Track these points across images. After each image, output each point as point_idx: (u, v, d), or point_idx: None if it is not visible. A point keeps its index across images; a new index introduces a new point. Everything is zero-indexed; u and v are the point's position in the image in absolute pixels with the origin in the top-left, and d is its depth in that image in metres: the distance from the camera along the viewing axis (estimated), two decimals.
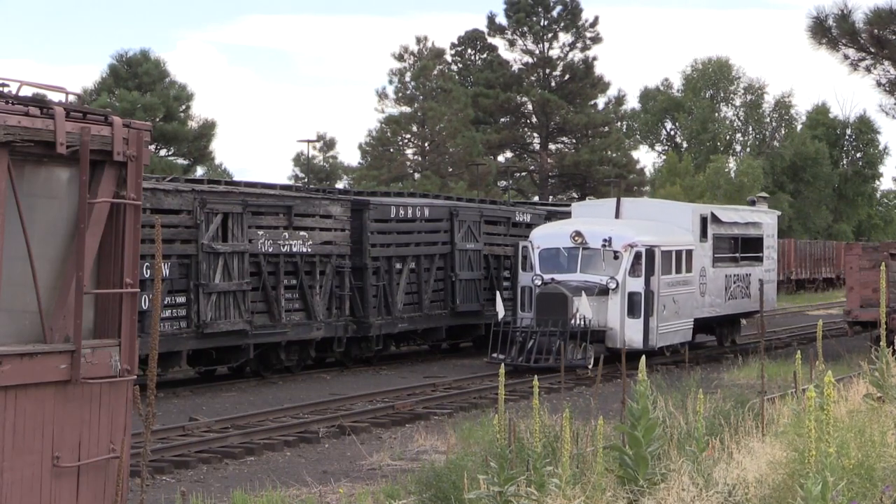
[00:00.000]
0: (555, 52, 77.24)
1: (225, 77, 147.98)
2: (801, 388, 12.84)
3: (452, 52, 79.01)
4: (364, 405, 22.34)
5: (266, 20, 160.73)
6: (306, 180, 65.53)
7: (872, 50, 30.73)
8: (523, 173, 79.37)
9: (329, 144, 79.38)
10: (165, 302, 23.48)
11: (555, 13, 76.60)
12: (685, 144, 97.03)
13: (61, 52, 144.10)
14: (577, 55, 77.14)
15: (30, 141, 7.41)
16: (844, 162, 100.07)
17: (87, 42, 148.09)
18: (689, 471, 9.99)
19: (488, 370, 27.12)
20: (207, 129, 61.87)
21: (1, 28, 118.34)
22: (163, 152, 60.06)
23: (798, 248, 67.74)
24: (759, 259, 34.40)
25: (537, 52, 77.00)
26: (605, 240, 28.09)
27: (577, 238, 28.24)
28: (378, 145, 70.92)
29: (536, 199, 70.87)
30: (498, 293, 29.93)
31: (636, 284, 27.89)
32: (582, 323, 27.01)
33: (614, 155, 77.92)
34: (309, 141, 61.41)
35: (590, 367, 26.84)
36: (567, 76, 77.17)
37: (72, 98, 7.91)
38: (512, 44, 77.50)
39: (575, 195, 74.75)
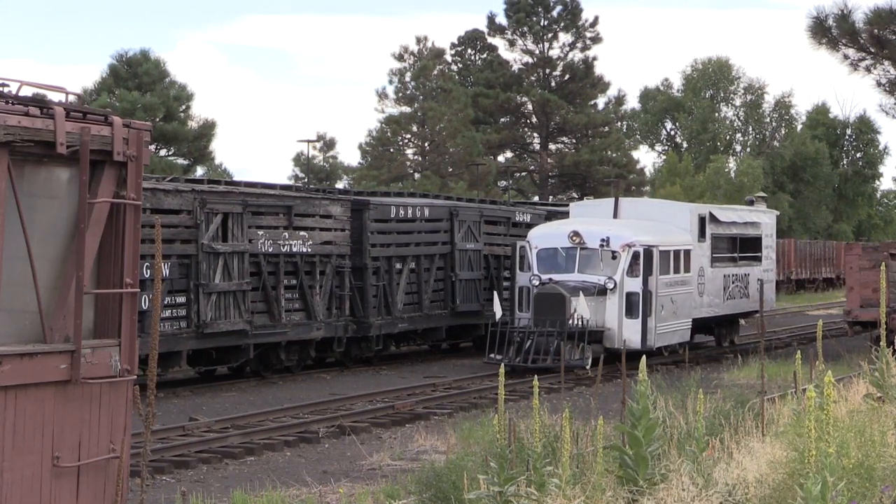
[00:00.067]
0: (555, 52, 77.29)
1: (225, 77, 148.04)
2: (801, 388, 12.84)
3: (452, 52, 79.04)
4: (364, 405, 22.34)
5: (266, 20, 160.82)
6: (306, 180, 65.53)
7: (872, 50, 30.73)
8: (523, 173, 79.37)
9: (329, 144, 79.41)
10: (165, 302, 23.48)
11: (555, 13, 76.61)
12: (685, 144, 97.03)
13: (61, 52, 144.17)
14: (577, 55, 77.18)
15: (30, 141, 7.41)
16: (844, 162, 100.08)
17: (87, 42, 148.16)
18: (689, 471, 9.99)
19: (488, 370, 27.12)
20: (207, 129, 61.87)
21: (1, 28, 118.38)
22: (163, 152, 60.06)
23: (798, 248, 67.74)
24: (758, 259, 34.38)
25: (537, 52, 77.01)
26: (602, 240, 28.06)
27: (574, 238, 28.21)
28: (378, 145, 70.92)
29: (536, 199, 70.87)
30: (496, 293, 29.91)
31: (634, 284, 27.87)
32: (580, 323, 26.98)
33: (614, 155, 77.92)
34: (309, 141, 61.43)
35: (588, 367, 26.83)
36: (567, 76, 77.18)
37: (72, 98, 7.91)
38: (512, 44, 77.53)
39: (575, 195, 74.76)
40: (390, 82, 72.73)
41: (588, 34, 76.87)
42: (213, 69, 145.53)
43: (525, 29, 76.51)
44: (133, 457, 9.60)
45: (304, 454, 17.97)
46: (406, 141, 71.32)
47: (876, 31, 30.16)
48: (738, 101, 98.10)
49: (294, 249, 26.59)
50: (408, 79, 70.68)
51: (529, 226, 33.08)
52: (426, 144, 70.56)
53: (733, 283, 32.60)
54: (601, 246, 28.02)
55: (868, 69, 31.39)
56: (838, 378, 16.66)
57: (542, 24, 76.57)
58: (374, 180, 65.83)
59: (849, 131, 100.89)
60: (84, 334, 7.76)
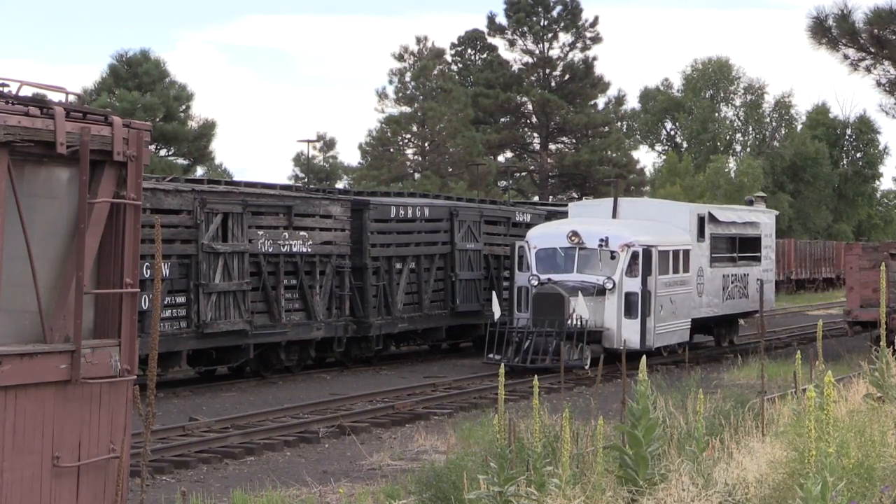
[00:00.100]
0: (555, 52, 77.30)
1: (225, 77, 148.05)
2: (801, 388, 12.84)
3: (452, 52, 79.05)
4: (364, 405, 22.33)
5: (266, 20, 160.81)
6: (306, 180, 65.54)
7: (872, 50, 30.73)
8: (523, 173, 79.38)
9: (329, 144, 79.42)
10: (165, 302, 23.48)
11: (555, 13, 76.62)
12: (685, 144, 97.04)
13: (61, 52, 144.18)
14: (577, 55, 77.19)
15: (30, 141, 7.41)
16: (844, 162, 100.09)
17: (87, 42, 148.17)
18: (689, 471, 9.99)
19: (488, 370, 27.12)
20: (207, 129, 61.88)
21: (1, 28, 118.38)
22: (163, 152, 60.07)
23: (798, 248, 67.73)
24: (757, 259, 34.35)
25: (537, 52, 77.01)
26: (601, 240, 28.04)
27: (573, 238, 28.18)
28: (378, 145, 70.93)
29: (536, 199, 70.87)
30: (494, 293, 29.90)
31: (633, 284, 27.84)
32: (578, 323, 26.96)
33: (614, 155, 77.93)
34: (309, 141, 61.47)
35: (586, 367, 26.82)
36: (567, 76, 77.18)
37: (72, 98, 7.91)
38: (512, 44, 77.54)
39: (575, 195, 74.78)
40: (390, 82, 72.84)
41: (588, 34, 76.90)
42: (213, 69, 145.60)
43: (525, 29, 76.51)
44: (133, 457, 9.60)
45: (304, 454, 17.97)
46: (406, 141, 71.33)
47: (876, 31, 30.15)
48: (738, 101, 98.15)
49: (294, 249, 26.59)
50: (408, 79, 70.69)
51: (529, 226, 33.06)
52: (426, 144, 70.56)
53: (732, 283, 32.58)
54: (600, 246, 28.00)
55: (868, 69, 31.40)
56: (838, 378, 16.66)
57: (542, 24, 76.58)
58: (374, 180, 65.84)
59: (849, 131, 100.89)
60: (84, 334, 7.76)
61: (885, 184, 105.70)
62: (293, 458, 17.58)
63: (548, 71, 77.30)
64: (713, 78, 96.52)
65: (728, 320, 33.66)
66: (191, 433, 18.74)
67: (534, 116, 77.61)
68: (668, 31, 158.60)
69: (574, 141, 77.99)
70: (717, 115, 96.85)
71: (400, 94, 70.86)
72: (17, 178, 7.43)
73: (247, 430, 18.98)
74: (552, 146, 78.50)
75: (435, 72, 70.47)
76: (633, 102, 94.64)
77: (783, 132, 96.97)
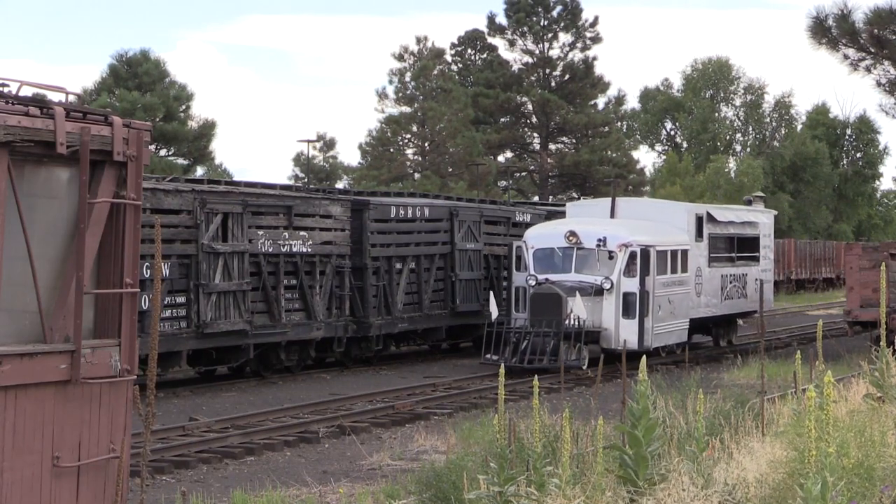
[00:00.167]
0: (555, 52, 77.32)
1: (225, 77, 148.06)
2: (801, 388, 12.84)
3: (452, 52, 79.06)
4: (364, 405, 22.33)
5: (266, 20, 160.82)
6: (306, 180, 65.54)
7: (872, 50, 30.73)
8: (523, 173, 79.38)
9: (329, 144, 79.42)
10: (165, 302, 23.48)
11: (555, 13, 76.63)
12: (685, 144, 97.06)
13: (61, 52, 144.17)
14: (577, 55, 77.21)
15: (30, 141, 7.41)
16: (844, 162, 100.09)
17: (87, 42, 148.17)
18: (688, 471, 9.99)
19: (488, 370, 27.10)
20: (207, 129, 61.89)
21: (1, 28, 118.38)
22: (163, 152, 60.07)
23: (798, 248, 67.72)
24: (756, 259, 34.32)
25: (537, 52, 77.02)
26: (599, 240, 28.01)
27: (571, 238, 28.15)
28: (378, 145, 70.94)
29: (536, 199, 70.88)
30: (491, 293, 29.88)
31: (631, 284, 27.82)
32: (576, 323, 26.94)
33: (614, 155, 77.95)
34: (309, 141, 61.47)
35: (584, 367, 26.80)
36: (567, 76, 77.19)
37: (72, 98, 7.91)
38: (512, 44, 77.56)
39: (575, 195, 74.80)
40: (390, 82, 72.87)
41: (588, 34, 76.91)
42: (213, 69, 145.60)
43: (525, 29, 76.53)
44: (133, 457, 9.60)
45: (304, 454, 17.97)
46: (406, 141, 71.33)
47: (876, 31, 30.15)
48: (738, 101, 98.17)
49: (294, 249, 26.58)
50: (408, 79, 70.70)
51: (529, 226, 33.05)
52: (426, 144, 70.57)
53: (731, 283, 32.55)
54: (598, 246, 27.97)
55: (868, 69, 31.40)
56: (838, 378, 16.66)
57: (542, 24, 76.59)
58: (374, 180, 65.84)
59: (849, 131, 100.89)
60: (84, 334, 7.75)
61: (885, 184, 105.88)
62: (293, 458, 17.58)
63: (548, 71, 77.31)
64: (713, 78, 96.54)
65: (727, 320, 33.64)
66: (191, 433, 18.74)
67: (534, 116, 77.62)
68: (668, 31, 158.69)
69: (574, 141, 78.00)
70: (717, 115, 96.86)
71: (400, 94, 70.88)
72: (17, 178, 7.43)
73: (247, 430, 18.98)
74: (552, 146, 78.52)
75: (435, 72, 70.48)
76: (633, 102, 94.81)
77: (783, 132, 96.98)
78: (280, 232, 26.25)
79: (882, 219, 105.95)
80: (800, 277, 67.44)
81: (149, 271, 21.24)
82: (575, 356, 26.84)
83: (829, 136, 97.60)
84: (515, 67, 77.44)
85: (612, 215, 30.55)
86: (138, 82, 59.54)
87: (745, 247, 33.65)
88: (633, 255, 27.86)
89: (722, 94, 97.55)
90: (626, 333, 27.24)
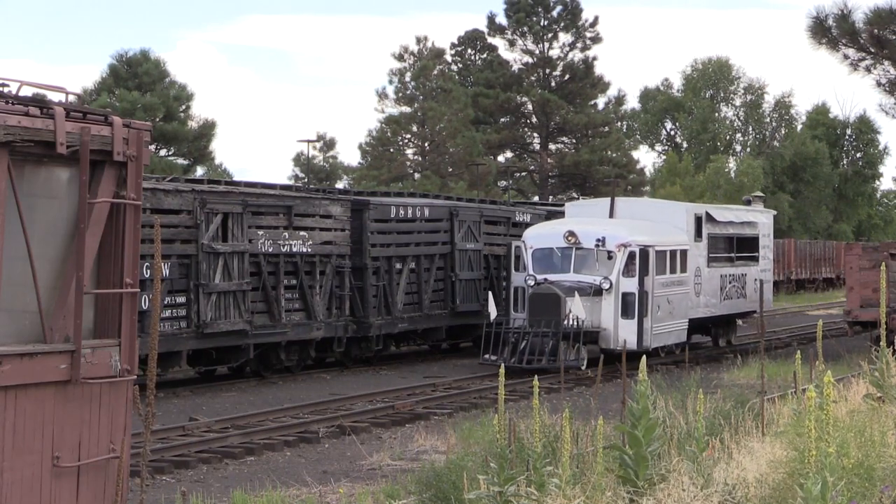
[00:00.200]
0: (555, 52, 77.33)
1: (225, 77, 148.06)
2: (801, 388, 12.84)
3: (452, 52, 79.06)
4: (364, 405, 22.33)
5: (266, 20, 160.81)
6: (306, 180, 65.54)
7: (872, 50, 30.73)
8: (523, 173, 79.39)
9: (329, 144, 79.43)
10: (165, 302, 23.48)
11: (555, 13, 76.64)
12: (685, 144, 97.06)
13: (61, 52, 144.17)
14: (577, 55, 77.21)
15: (30, 141, 7.41)
16: (844, 162, 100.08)
17: (87, 42, 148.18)
18: (688, 471, 9.99)
19: (488, 370, 27.09)
20: (207, 129, 61.89)
21: (1, 28, 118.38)
22: (163, 152, 60.08)
23: (798, 248, 67.72)
24: (755, 259, 34.30)
25: (537, 52, 77.03)
26: (598, 240, 27.98)
27: (570, 238, 28.11)
28: (378, 145, 70.94)
29: (536, 199, 70.88)
30: (490, 293, 29.87)
31: (630, 285, 27.80)
32: (575, 324, 26.92)
33: (614, 155, 77.96)
34: (309, 141, 61.51)
35: (583, 368, 26.79)
36: (567, 76, 77.20)
37: (72, 98, 7.91)
38: (512, 44, 77.56)
39: (575, 195, 74.81)
40: (390, 82, 72.88)
41: (588, 34, 76.92)
42: (213, 69, 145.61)
43: (525, 29, 76.53)
44: (133, 457, 9.59)
45: (304, 454, 17.97)
46: (406, 141, 71.34)
47: (876, 31, 30.15)
48: (738, 101, 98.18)
49: (294, 249, 26.58)
50: (408, 79, 70.71)
51: (529, 226, 33.05)
52: (426, 144, 70.57)
53: (730, 283, 32.53)
54: (597, 246, 27.94)
55: (868, 69, 31.40)
56: (838, 378, 16.66)
57: (542, 24, 76.59)
58: (374, 180, 65.85)
59: (849, 131, 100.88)
60: (84, 334, 7.75)
61: (885, 184, 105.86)
62: (293, 458, 17.58)
63: (548, 71, 77.31)
64: (713, 78, 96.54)
65: (726, 320, 33.61)
66: (191, 433, 18.74)
67: (534, 116, 77.63)
68: (668, 31, 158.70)
69: (574, 141, 78.01)
70: (717, 115, 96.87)
71: (400, 94, 70.88)
72: (17, 178, 7.43)
73: (247, 430, 18.98)
74: (552, 146, 78.53)
75: (435, 72, 70.48)
76: (633, 102, 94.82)
77: (783, 132, 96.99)
78: (280, 232, 26.26)
79: (882, 219, 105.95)
80: (800, 277, 67.43)
81: (149, 271, 21.24)
82: (574, 356, 26.82)
83: (829, 136, 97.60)
84: (515, 67, 77.47)
85: (611, 215, 30.52)
86: (138, 82, 59.54)
87: (744, 247, 33.62)
88: (631, 255, 27.84)
89: (722, 94, 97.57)
90: (624, 334, 27.22)
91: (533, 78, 76.80)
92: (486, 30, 78.80)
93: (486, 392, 24.28)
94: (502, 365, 11.60)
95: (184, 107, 61.43)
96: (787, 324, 44.10)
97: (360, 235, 28.70)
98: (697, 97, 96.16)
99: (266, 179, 48.82)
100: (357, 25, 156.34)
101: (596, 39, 77.20)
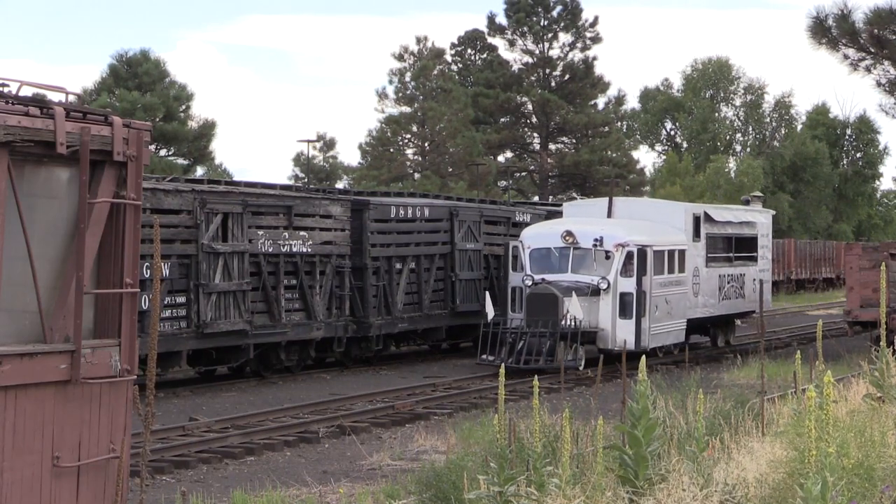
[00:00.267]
0: (555, 52, 77.33)
1: (225, 77, 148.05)
2: (801, 388, 12.84)
3: (452, 52, 79.07)
4: (364, 405, 22.33)
5: (266, 20, 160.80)
6: (306, 180, 65.54)
7: (872, 50, 30.73)
8: (523, 173, 79.39)
9: (329, 144, 79.44)
10: (165, 302, 23.49)
11: (555, 13, 76.65)
12: (685, 144, 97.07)
13: (61, 52, 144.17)
14: (577, 55, 77.22)
15: (30, 141, 7.41)
16: (844, 162, 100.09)
17: (87, 42, 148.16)
18: (688, 471, 9.99)
19: (487, 370, 27.09)
20: (207, 129, 61.89)
21: (1, 28, 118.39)
22: (163, 152, 60.08)
23: (798, 248, 67.72)
24: (754, 259, 34.26)
25: (537, 52, 77.03)
26: (596, 239, 27.94)
27: (568, 238, 28.07)
28: (378, 145, 70.94)
29: (536, 199, 70.88)
30: (487, 293, 29.84)
31: (628, 285, 27.76)
32: (573, 324, 26.89)
33: (614, 155, 77.96)
34: (309, 141, 61.54)
35: (581, 368, 26.77)
36: (567, 76, 77.21)
37: (72, 98, 7.91)
38: (512, 44, 77.57)
39: (575, 195, 74.80)
40: (390, 82, 72.89)
41: (588, 34, 76.93)
42: (213, 69, 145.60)
43: (525, 29, 76.54)
44: (133, 457, 9.60)
45: (304, 454, 17.97)
46: (406, 141, 71.34)
47: (876, 31, 30.15)
48: (738, 101, 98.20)
49: (294, 249, 26.58)
50: (408, 79, 70.72)
51: (529, 226, 33.05)
52: (426, 144, 70.57)
53: (728, 283, 32.49)
54: (594, 246, 27.90)
55: (868, 69, 31.40)
56: (838, 378, 16.66)
57: (542, 24, 76.60)
58: (374, 180, 65.85)
59: (849, 131, 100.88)
60: (84, 334, 7.75)
61: (885, 184, 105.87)
62: (293, 458, 17.58)
63: (548, 71, 77.32)
64: (713, 78, 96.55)
65: (724, 321, 33.57)
66: (191, 433, 18.74)
67: (534, 116, 77.63)
68: (668, 31, 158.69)
69: (574, 141, 78.01)
70: (717, 115, 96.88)
71: (400, 94, 70.89)
72: (17, 178, 7.43)
73: (247, 430, 18.98)
74: (552, 146, 78.53)
75: (435, 72, 70.48)
76: (633, 102, 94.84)
77: (783, 132, 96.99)
78: (280, 232, 26.25)
79: (882, 219, 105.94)
80: (800, 277, 67.43)
81: (149, 271, 21.24)
82: (571, 356, 26.79)
83: (829, 136, 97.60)
84: (515, 67, 77.48)
85: (609, 215, 30.49)
86: (138, 82, 59.54)
87: (742, 247, 33.60)
88: (629, 255, 27.81)
89: (722, 94, 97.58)
90: (622, 334, 27.19)
91: (533, 78, 76.81)
92: (486, 30, 78.85)
93: (486, 392, 24.28)
94: (502, 365, 11.60)
95: (184, 107, 61.45)
96: (786, 324, 44.10)
97: (360, 235, 28.70)
98: (697, 97, 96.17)
99: (266, 179, 48.85)
100: (357, 25, 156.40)
101: (596, 39, 77.25)
